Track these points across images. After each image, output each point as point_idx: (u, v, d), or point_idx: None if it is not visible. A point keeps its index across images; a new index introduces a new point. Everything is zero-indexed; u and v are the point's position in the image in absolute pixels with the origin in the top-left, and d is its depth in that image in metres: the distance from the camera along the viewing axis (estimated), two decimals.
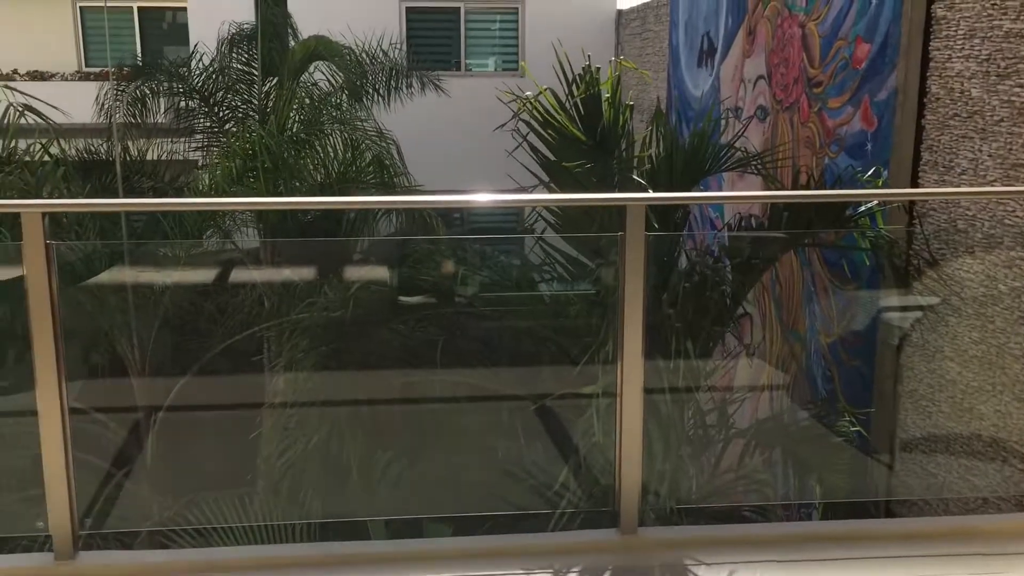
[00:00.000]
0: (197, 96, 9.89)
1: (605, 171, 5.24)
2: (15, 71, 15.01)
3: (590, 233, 4.96)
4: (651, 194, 4.85)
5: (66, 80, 15.30)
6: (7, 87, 9.64)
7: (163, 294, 7.44)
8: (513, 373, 5.32)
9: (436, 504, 4.85)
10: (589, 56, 5.45)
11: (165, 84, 9.62)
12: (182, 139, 10.14)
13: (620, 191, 5.16)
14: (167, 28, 17.20)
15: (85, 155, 9.18)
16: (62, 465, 2.81)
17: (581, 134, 5.24)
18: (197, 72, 9.94)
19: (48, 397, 2.78)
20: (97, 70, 15.89)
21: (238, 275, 8.24)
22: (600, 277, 5.07)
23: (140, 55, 16.54)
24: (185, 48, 15.37)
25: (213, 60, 9.83)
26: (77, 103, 10.78)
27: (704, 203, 8.77)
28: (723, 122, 8.77)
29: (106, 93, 9.72)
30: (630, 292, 2.92)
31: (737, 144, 6.21)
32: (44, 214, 2.79)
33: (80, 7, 16.59)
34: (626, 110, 5.36)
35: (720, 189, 8.31)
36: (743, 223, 5.59)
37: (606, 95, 5.27)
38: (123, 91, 9.71)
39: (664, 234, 5.05)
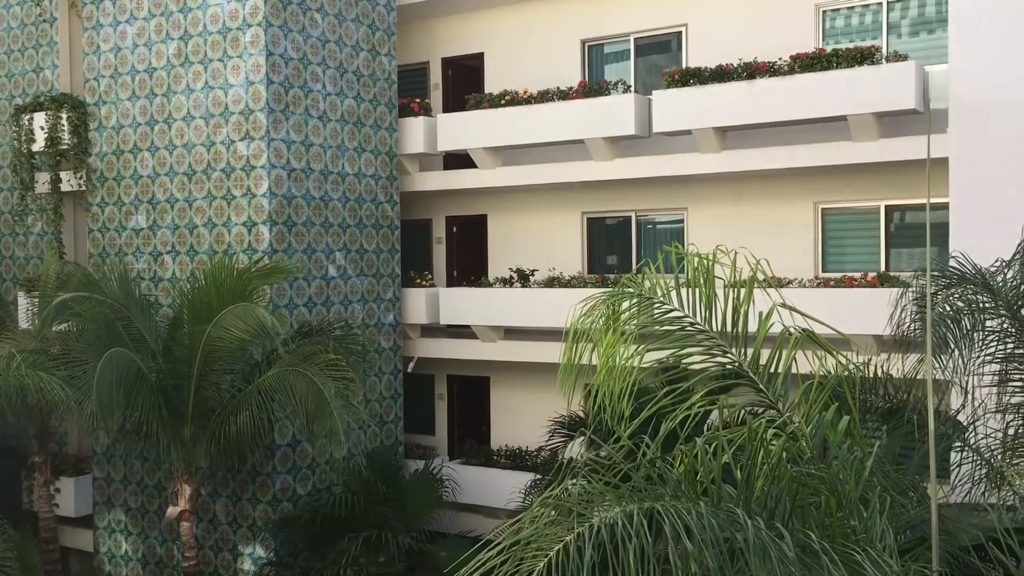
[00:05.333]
0: (1006, 312, 7.30)
1: None
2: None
3: None
4: None
5: (804, 287, 13.98)
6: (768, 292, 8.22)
7: None
8: None
9: None
10: None
11: (974, 295, 7.21)
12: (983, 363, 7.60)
13: None
14: (909, 229, 15.10)
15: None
16: None
17: None
18: (1008, 282, 7.39)
19: None
20: (837, 275, 14.36)
21: None
22: None
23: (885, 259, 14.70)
24: (939, 251, 13.01)
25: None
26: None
27: None
28: None
29: (902, 301, 7.67)
30: None
31: None
32: None
33: (821, 208, 15.43)
34: None
35: None
36: None
37: None
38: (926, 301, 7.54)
39: None
